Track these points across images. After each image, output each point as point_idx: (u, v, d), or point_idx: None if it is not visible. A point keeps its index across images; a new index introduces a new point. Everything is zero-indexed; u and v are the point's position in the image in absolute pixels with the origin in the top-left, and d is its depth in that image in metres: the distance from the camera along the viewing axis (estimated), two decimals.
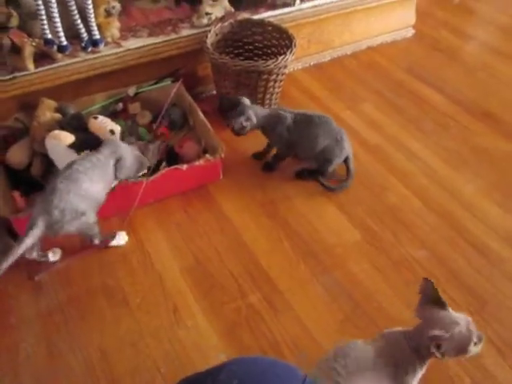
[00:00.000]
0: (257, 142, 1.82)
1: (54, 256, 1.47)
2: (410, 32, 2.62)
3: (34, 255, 1.40)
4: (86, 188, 1.37)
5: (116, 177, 1.49)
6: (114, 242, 1.51)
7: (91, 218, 1.40)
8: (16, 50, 1.65)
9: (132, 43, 1.89)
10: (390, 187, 1.74)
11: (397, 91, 2.21)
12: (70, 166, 1.39)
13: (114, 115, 1.79)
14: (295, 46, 1.83)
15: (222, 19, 2.03)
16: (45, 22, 1.65)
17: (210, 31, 1.90)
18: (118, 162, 1.47)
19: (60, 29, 1.69)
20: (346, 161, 1.73)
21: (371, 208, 1.67)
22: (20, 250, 1.26)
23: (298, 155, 1.75)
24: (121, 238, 1.53)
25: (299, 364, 0.76)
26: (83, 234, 1.43)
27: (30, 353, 1.29)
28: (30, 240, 1.28)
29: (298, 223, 1.61)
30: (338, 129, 1.70)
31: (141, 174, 1.59)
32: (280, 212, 1.65)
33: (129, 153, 1.52)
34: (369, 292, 1.42)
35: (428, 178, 1.78)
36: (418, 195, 1.71)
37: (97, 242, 1.46)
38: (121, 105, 1.86)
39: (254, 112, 1.63)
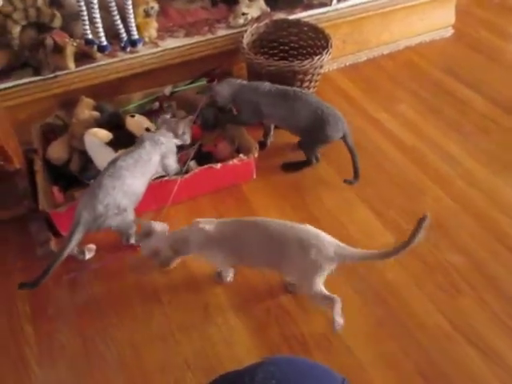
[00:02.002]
0: (289, 143, 1.82)
1: (89, 253, 1.51)
2: (449, 32, 2.56)
3: (75, 251, 1.44)
4: (129, 184, 1.40)
5: (167, 174, 1.56)
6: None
7: (131, 214, 1.43)
8: (58, 49, 1.70)
9: (169, 43, 1.92)
10: (426, 189, 1.71)
11: (434, 92, 2.16)
12: (114, 162, 1.42)
13: (150, 114, 1.82)
14: (331, 46, 1.82)
15: (257, 19, 2.04)
16: (86, 22, 1.70)
17: (246, 31, 1.91)
18: (162, 159, 1.51)
19: (101, 29, 1.73)
20: (344, 140, 1.67)
21: (405, 211, 1.63)
22: (72, 244, 1.31)
23: (281, 126, 1.77)
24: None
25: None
26: (121, 232, 1.46)
27: (66, 343, 1.33)
28: (79, 235, 1.32)
29: (330, 225, 1.59)
30: (319, 103, 1.64)
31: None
32: (312, 213, 1.64)
33: (170, 147, 1.55)
34: (401, 297, 1.40)
35: (466, 181, 1.73)
36: (455, 199, 1.67)
37: (132, 241, 1.49)
38: (157, 104, 1.89)
39: (227, 82, 1.70)
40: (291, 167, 1.77)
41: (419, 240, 1.22)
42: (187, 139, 1.62)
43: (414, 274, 1.45)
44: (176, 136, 1.58)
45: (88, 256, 1.50)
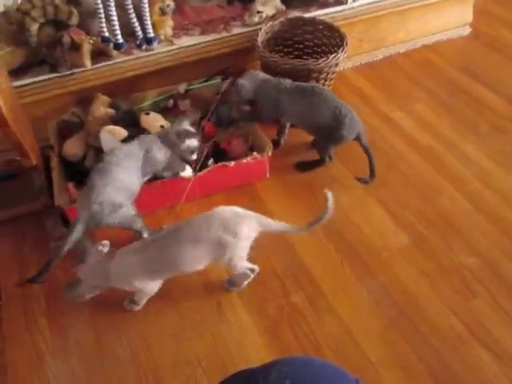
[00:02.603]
0: (303, 142, 1.82)
1: (103, 248, 1.51)
2: (467, 30, 2.52)
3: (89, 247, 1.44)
4: (122, 179, 1.40)
5: (142, 171, 1.47)
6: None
7: (130, 210, 1.42)
8: (75, 47, 1.72)
9: (184, 41, 1.93)
10: (442, 190, 1.69)
11: (451, 91, 2.14)
12: (102, 159, 1.42)
13: (164, 111, 1.83)
14: (347, 44, 1.81)
15: (272, 17, 2.03)
16: (103, 20, 1.71)
17: (260, 29, 1.91)
18: (145, 154, 1.47)
19: (117, 27, 1.74)
20: (358, 140, 1.65)
21: (420, 211, 1.62)
22: (66, 246, 1.31)
23: (297, 124, 1.77)
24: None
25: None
26: (127, 228, 1.45)
27: (79, 338, 1.34)
28: (75, 235, 1.32)
29: (344, 225, 1.59)
30: (338, 102, 1.62)
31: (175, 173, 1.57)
32: None
33: (159, 147, 1.50)
34: (415, 298, 1.39)
35: (482, 182, 1.71)
36: (470, 200, 1.65)
37: (145, 235, 1.50)
38: (172, 101, 1.89)
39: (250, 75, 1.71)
40: (305, 167, 1.77)
41: (329, 215, 1.29)
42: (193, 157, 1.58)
43: (428, 275, 1.44)
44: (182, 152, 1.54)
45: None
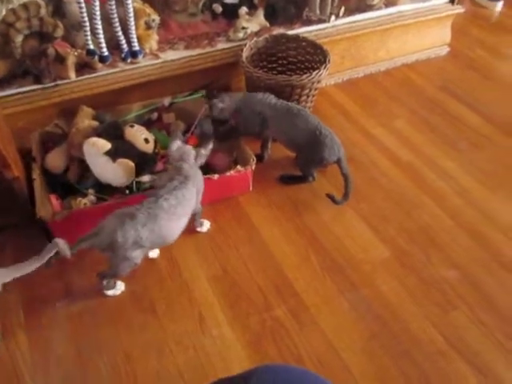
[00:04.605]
0: (286, 157, 1.84)
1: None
2: (445, 50, 2.60)
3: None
4: (162, 225, 1.34)
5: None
6: (110, 292, 1.45)
7: (141, 255, 1.36)
8: (60, 59, 1.71)
9: (169, 55, 1.94)
10: (422, 205, 1.72)
11: (431, 109, 2.19)
12: (157, 199, 1.35)
13: (149, 124, 1.83)
14: (329, 61, 1.85)
15: (257, 34, 2.07)
16: (88, 33, 1.71)
17: (245, 45, 1.93)
18: (197, 194, 1.46)
19: (102, 40, 1.74)
20: (338, 165, 1.67)
21: (401, 225, 1.65)
22: (76, 248, 1.28)
23: (279, 141, 1.80)
24: (117, 289, 1.46)
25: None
26: (115, 265, 1.35)
27: (61, 353, 1.32)
28: (86, 244, 1.29)
29: (326, 238, 1.61)
30: (319, 124, 1.66)
31: None
32: (308, 226, 1.65)
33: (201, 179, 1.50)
34: (396, 311, 1.40)
35: (461, 198, 1.75)
36: (450, 215, 1.68)
37: (104, 282, 1.43)
38: (156, 114, 1.90)
39: (228, 96, 1.75)
40: (288, 180, 1.79)
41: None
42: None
43: (409, 288, 1.46)
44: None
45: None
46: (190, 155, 1.48)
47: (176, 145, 1.50)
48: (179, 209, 1.37)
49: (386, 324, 1.37)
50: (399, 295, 1.44)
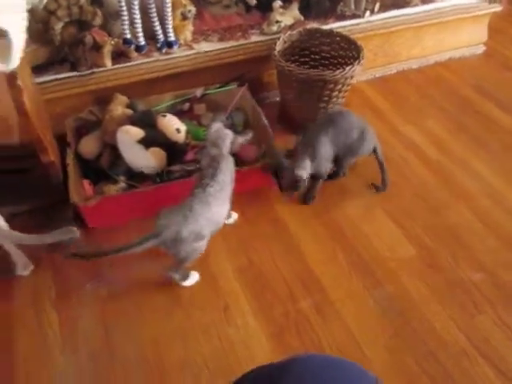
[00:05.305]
0: None
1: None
2: (481, 49, 2.55)
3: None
4: (214, 212, 1.38)
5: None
6: (187, 283, 1.48)
7: (205, 245, 1.40)
8: (97, 47, 1.75)
9: (203, 46, 1.96)
10: (450, 205, 1.71)
11: (463, 109, 2.16)
12: (204, 188, 1.38)
13: (180, 114, 1.85)
14: (363, 57, 1.84)
15: (291, 27, 2.07)
16: (126, 22, 1.74)
17: (279, 39, 1.94)
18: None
19: (140, 30, 1.78)
20: (375, 153, 1.68)
21: (428, 224, 1.64)
22: (138, 250, 1.30)
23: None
24: (194, 278, 1.49)
25: None
26: (183, 259, 1.38)
27: (89, 333, 1.36)
28: (149, 244, 1.30)
29: (353, 234, 1.61)
30: (360, 118, 1.67)
31: None
32: (335, 221, 1.65)
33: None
34: (421, 310, 1.40)
35: (491, 199, 1.73)
36: (478, 216, 1.67)
37: (176, 275, 1.44)
38: (187, 105, 1.92)
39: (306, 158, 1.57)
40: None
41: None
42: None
43: (434, 288, 1.45)
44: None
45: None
46: (226, 139, 1.48)
47: (216, 126, 1.50)
48: (223, 193, 1.42)
49: (410, 322, 1.37)
50: (424, 294, 1.44)
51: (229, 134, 1.49)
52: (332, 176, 1.77)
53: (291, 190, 1.60)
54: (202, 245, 1.39)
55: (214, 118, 1.54)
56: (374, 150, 1.68)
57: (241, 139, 1.52)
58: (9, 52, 1.07)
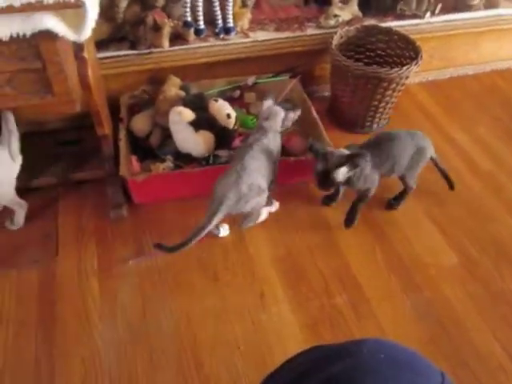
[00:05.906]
0: None
1: (224, 231, 1.56)
2: None
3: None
4: (266, 167, 1.45)
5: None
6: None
7: (265, 198, 1.46)
8: (156, 28, 1.78)
9: (259, 35, 1.96)
10: (498, 217, 1.66)
11: None
12: (251, 145, 1.45)
13: (230, 101, 1.86)
14: (421, 58, 1.80)
15: (348, 23, 2.04)
16: (188, 5, 1.76)
17: (336, 33, 1.92)
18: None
19: (201, 13, 1.79)
20: (432, 160, 1.62)
21: (473, 234, 1.60)
22: (213, 224, 1.36)
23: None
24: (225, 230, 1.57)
25: None
26: (250, 215, 1.48)
27: (127, 303, 1.40)
28: (221, 215, 1.36)
29: (395, 236, 1.59)
30: (410, 135, 1.56)
31: None
32: (377, 221, 1.63)
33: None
34: (459, 319, 1.37)
35: None
36: None
37: (251, 224, 1.52)
38: (238, 92, 1.93)
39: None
40: (399, 202, 1.67)
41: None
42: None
43: (476, 298, 1.42)
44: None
45: (222, 234, 1.56)
46: (277, 116, 1.53)
47: (268, 103, 1.56)
48: (269, 152, 1.47)
49: (447, 330, 1.35)
50: (464, 303, 1.41)
51: (280, 111, 1.53)
52: (405, 192, 1.66)
53: (326, 187, 1.52)
54: (263, 198, 1.44)
55: (265, 96, 1.58)
56: (431, 158, 1.62)
57: (292, 115, 1.55)
58: (82, 23, 1.10)
